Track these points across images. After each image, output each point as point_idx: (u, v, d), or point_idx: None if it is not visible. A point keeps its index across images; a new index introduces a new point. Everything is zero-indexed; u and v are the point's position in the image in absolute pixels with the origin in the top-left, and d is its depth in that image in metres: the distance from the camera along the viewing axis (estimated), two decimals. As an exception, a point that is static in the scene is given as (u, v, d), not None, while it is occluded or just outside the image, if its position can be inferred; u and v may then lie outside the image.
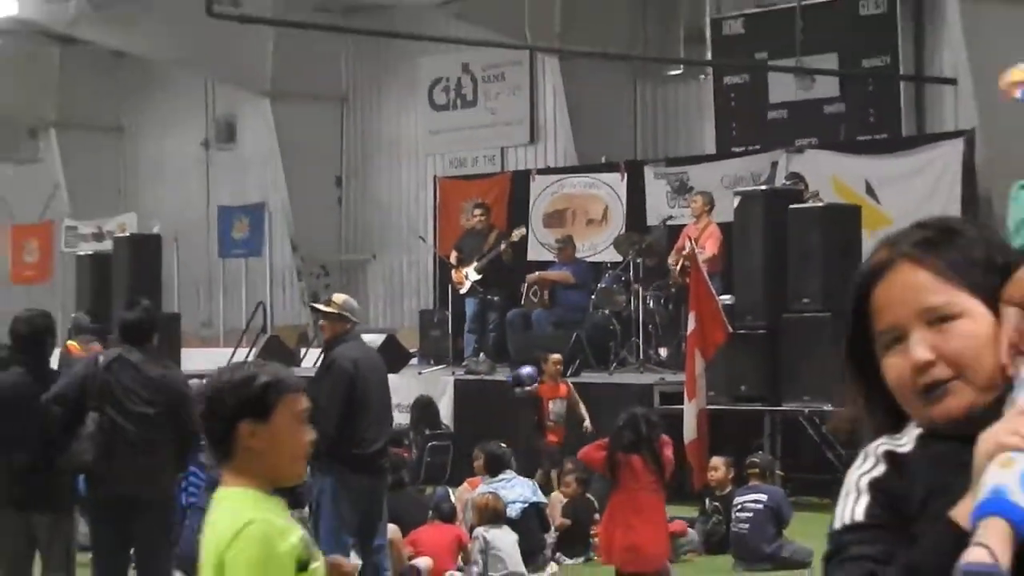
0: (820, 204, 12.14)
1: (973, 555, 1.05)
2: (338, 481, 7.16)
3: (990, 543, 1.06)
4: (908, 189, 13.38)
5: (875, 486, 1.27)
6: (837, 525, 1.26)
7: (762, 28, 14.94)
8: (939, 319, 1.24)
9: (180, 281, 19.15)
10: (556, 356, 10.98)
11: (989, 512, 1.08)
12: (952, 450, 1.20)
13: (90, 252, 17.85)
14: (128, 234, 17.09)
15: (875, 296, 1.30)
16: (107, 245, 17.64)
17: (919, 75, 14.55)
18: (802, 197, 12.24)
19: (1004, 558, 1.05)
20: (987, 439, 1.13)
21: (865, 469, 1.29)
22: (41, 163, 22.52)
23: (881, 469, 1.28)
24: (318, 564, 2.70)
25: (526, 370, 10.92)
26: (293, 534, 2.63)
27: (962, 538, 1.09)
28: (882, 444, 1.31)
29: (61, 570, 7.33)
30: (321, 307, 8.17)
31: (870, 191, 13.46)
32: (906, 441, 1.29)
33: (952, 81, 13.87)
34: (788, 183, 13.05)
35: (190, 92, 20.61)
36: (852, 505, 1.27)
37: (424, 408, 11.93)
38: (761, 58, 14.92)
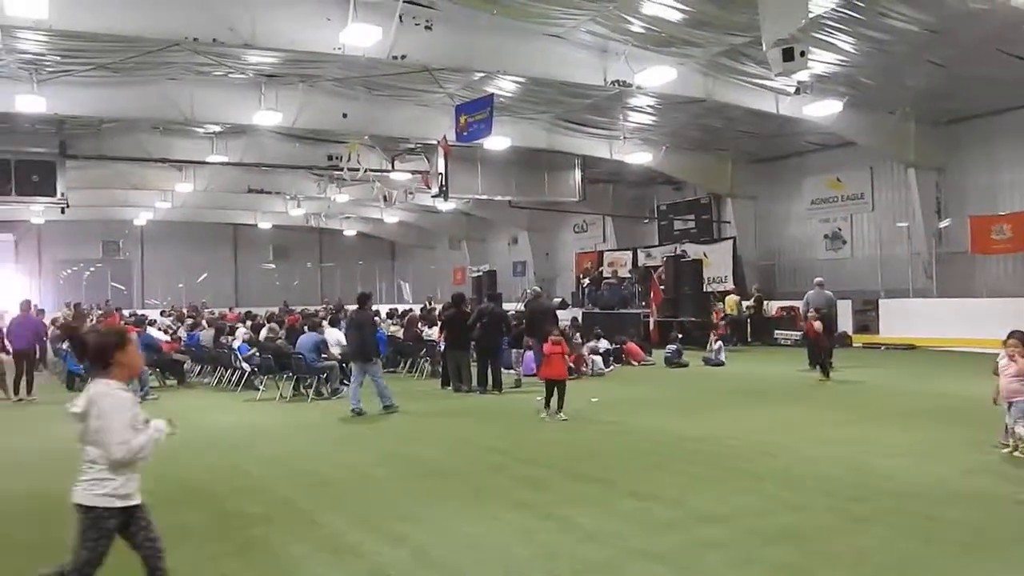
0: (690, 259, 29.78)
1: None
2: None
3: None
4: (717, 255, 30.06)
5: None
6: None
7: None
8: None
9: (499, 282, 36.68)
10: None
11: None
12: None
13: (477, 275, 37.87)
14: (486, 270, 37.79)
15: None
16: (479, 273, 37.70)
17: (719, 220, 31.62)
18: (686, 256, 29.88)
19: None
20: None
21: None
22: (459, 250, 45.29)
23: None
24: None
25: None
26: None
27: None
28: None
29: (467, 368, 15.24)
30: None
31: (705, 255, 29.65)
32: None
33: (728, 222, 31.09)
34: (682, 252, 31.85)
35: (504, 233, 41.68)
36: None
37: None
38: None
